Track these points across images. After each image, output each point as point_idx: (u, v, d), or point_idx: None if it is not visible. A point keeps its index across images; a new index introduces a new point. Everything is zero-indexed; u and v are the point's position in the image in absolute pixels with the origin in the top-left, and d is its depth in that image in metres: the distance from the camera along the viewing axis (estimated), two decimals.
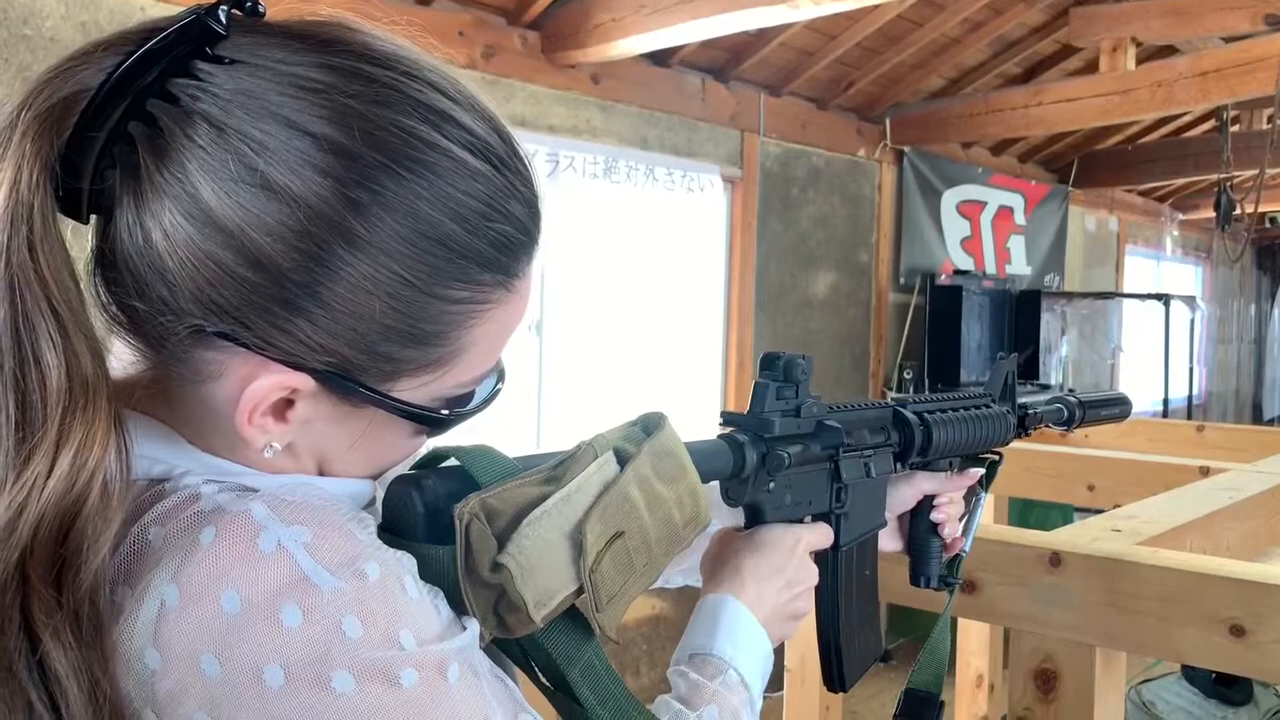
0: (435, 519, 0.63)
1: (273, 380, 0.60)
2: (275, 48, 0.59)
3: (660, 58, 4.03)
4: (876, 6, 3.90)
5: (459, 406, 0.68)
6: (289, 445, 0.64)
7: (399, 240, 0.58)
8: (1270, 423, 9.77)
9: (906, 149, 5.28)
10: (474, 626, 0.63)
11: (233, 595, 0.55)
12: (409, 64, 0.61)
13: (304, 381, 0.60)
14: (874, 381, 5.25)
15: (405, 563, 0.61)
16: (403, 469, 0.68)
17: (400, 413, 0.64)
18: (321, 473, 0.67)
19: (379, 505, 0.67)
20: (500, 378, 0.72)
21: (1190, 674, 3.58)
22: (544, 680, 0.71)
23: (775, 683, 1.79)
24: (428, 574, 0.62)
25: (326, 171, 0.57)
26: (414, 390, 0.64)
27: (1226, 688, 3.41)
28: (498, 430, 3.40)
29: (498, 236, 0.62)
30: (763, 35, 4.06)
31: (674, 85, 4.15)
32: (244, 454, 0.63)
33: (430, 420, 0.66)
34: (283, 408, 0.62)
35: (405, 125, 0.59)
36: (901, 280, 5.37)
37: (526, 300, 0.68)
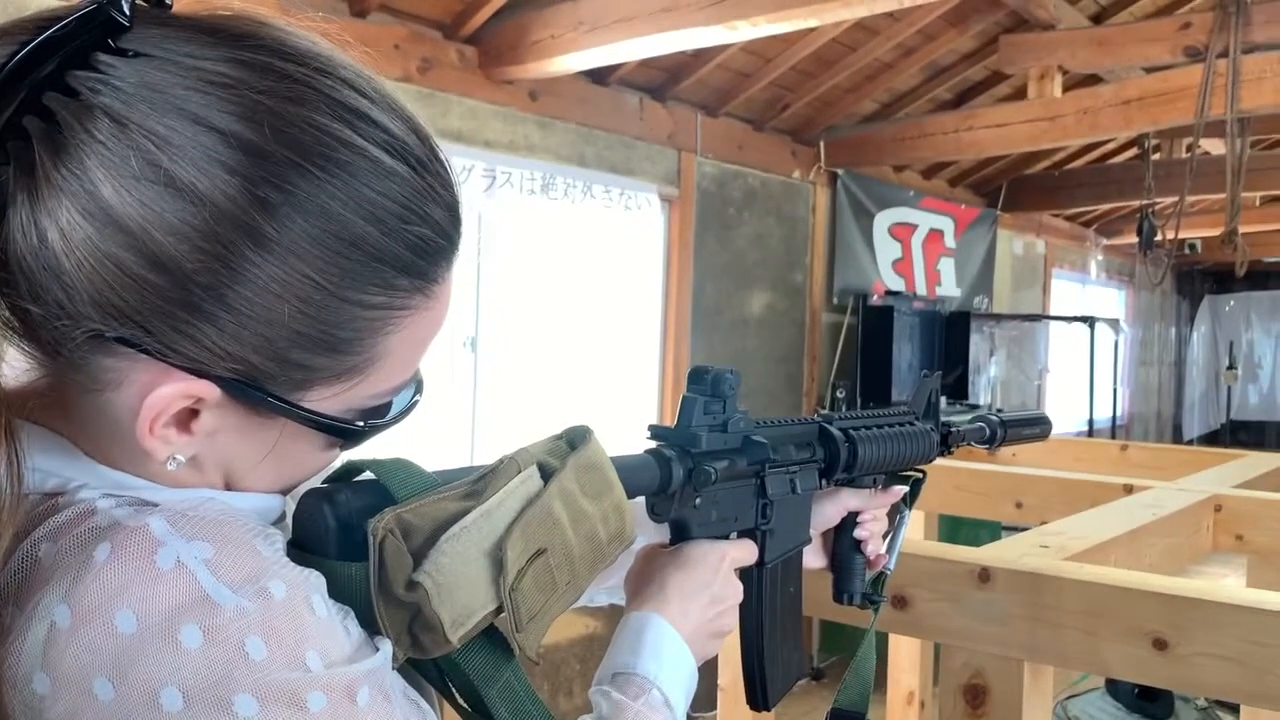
0: (348, 535, 0.61)
1: (175, 389, 0.57)
2: (183, 41, 0.56)
3: (599, 76, 4.04)
4: (812, 30, 3.96)
5: (374, 418, 0.65)
6: (194, 458, 0.61)
7: (310, 242, 0.56)
8: (1190, 443, 10.04)
9: (840, 171, 5.35)
10: (386, 647, 0.60)
11: (128, 615, 0.52)
12: (323, 60, 0.59)
13: (208, 390, 0.57)
14: (808, 400, 5.30)
15: (313, 581, 0.58)
16: (315, 483, 0.65)
17: (312, 424, 0.61)
18: (229, 487, 0.64)
19: (290, 521, 0.64)
20: (418, 389, 0.69)
21: (1114, 689, 3.66)
22: (461, 702, 0.69)
23: (708, 701, 1.78)
24: (339, 593, 0.60)
25: (234, 169, 0.54)
26: (327, 400, 0.61)
27: (1149, 702, 3.49)
28: (431, 447, 3.35)
29: (415, 240, 0.60)
30: (700, 56, 4.09)
31: (612, 103, 4.17)
32: (146, 467, 0.60)
33: (344, 432, 0.63)
34: (187, 418, 0.59)
35: (318, 123, 0.56)
36: (835, 300, 5.43)
37: (445, 308, 0.65)
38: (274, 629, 0.54)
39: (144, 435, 0.57)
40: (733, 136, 4.76)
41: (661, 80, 4.28)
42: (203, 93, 0.54)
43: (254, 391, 0.59)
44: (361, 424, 0.64)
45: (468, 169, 3.63)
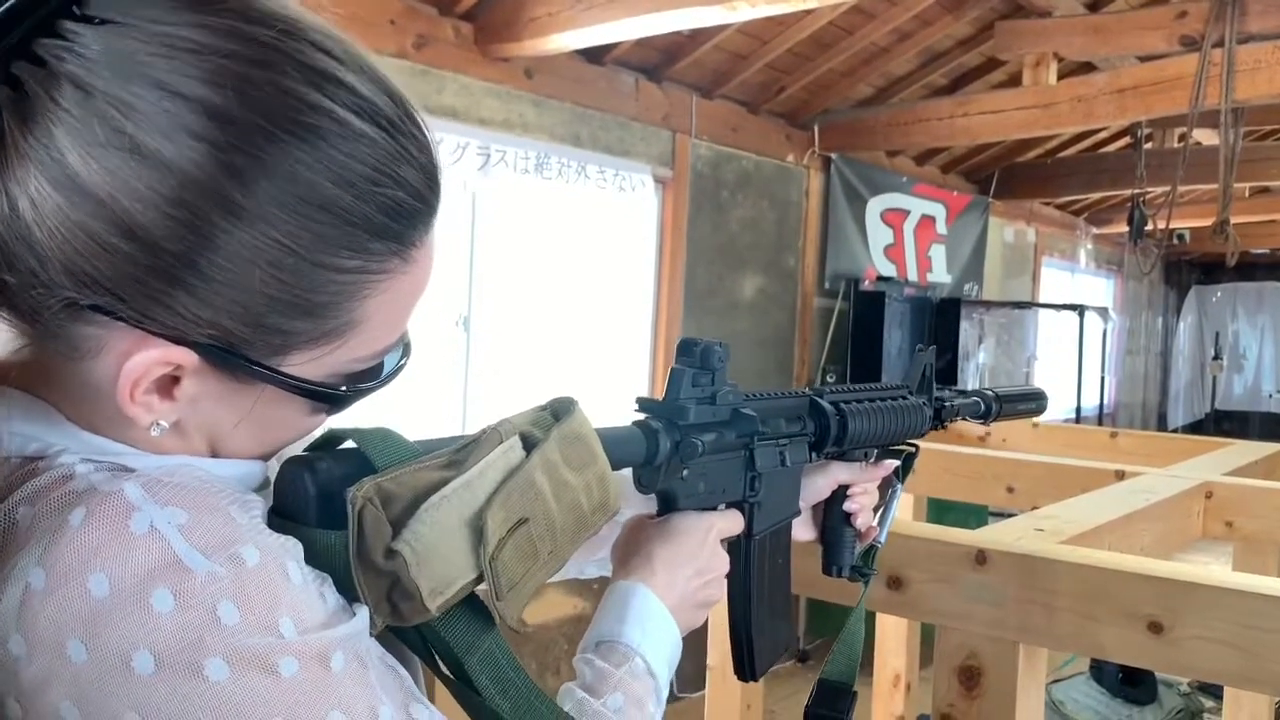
0: (328, 503, 0.61)
1: (152, 355, 0.57)
2: (147, 6, 0.55)
3: (594, 55, 4.02)
4: (809, 12, 3.95)
5: (358, 382, 0.65)
6: (177, 424, 0.61)
7: (279, 206, 0.56)
8: (1175, 431, 10.11)
9: (834, 155, 5.34)
10: (363, 614, 0.60)
11: (101, 578, 0.53)
12: (289, 23, 0.58)
13: (186, 356, 0.58)
14: (798, 384, 5.31)
15: (289, 547, 0.59)
16: (297, 450, 0.66)
17: (292, 388, 0.62)
18: (214, 453, 0.64)
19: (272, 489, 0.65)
20: (405, 352, 0.70)
21: (1098, 674, 3.68)
22: (444, 669, 0.69)
23: (697, 680, 1.79)
24: (317, 560, 0.60)
25: (201, 135, 0.54)
26: (307, 365, 0.61)
27: (1133, 687, 3.52)
28: (422, 426, 3.35)
29: (388, 202, 0.59)
30: (696, 37, 4.08)
31: (607, 83, 4.15)
32: (130, 433, 0.61)
33: (326, 396, 0.64)
34: (169, 385, 0.59)
35: (285, 86, 0.56)
36: (826, 285, 5.43)
37: (428, 271, 0.65)
38: (246, 594, 0.55)
39: (125, 402, 0.58)
40: (727, 119, 4.75)
41: (657, 61, 4.27)
42: (168, 58, 0.54)
43: (232, 357, 0.59)
44: (344, 388, 0.64)
45: (462, 147, 3.62)
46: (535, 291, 4.04)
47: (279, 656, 0.55)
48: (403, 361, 0.70)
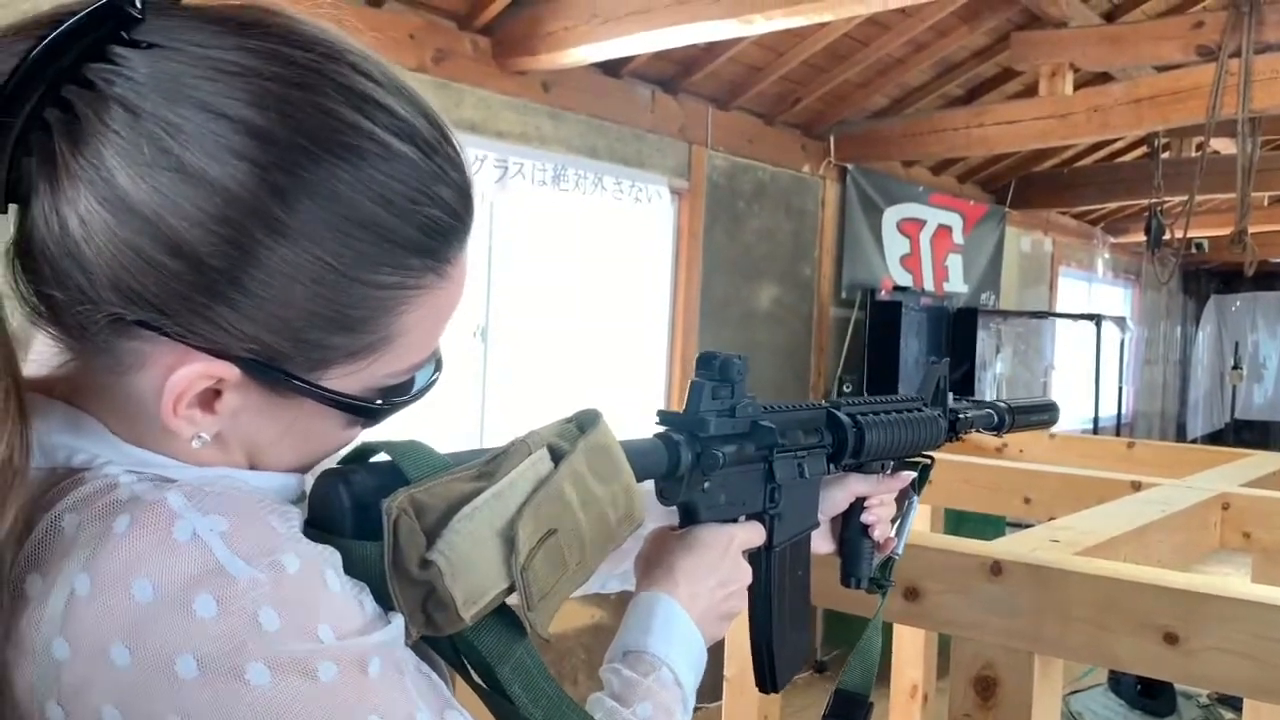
0: (363, 514, 0.62)
1: (196, 369, 0.58)
2: (193, 31, 0.57)
3: (611, 68, 4.05)
4: (824, 25, 3.96)
5: (393, 396, 0.67)
6: (218, 436, 0.63)
7: (320, 224, 0.57)
8: (1194, 442, 10.04)
9: (850, 166, 5.35)
10: (399, 621, 0.61)
11: (145, 584, 0.54)
12: (329, 46, 0.60)
13: (228, 370, 0.59)
14: (814, 394, 5.30)
15: (328, 556, 0.60)
16: (331, 464, 0.67)
17: (331, 402, 0.63)
18: (253, 465, 0.66)
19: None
20: (438, 366, 0.71)
21: (1116, 685, 3.67)
22: (476, 678, 0.70)
23: (714, 692, 1.80)
24: (353, 570, 0.61)
25: (244, 155, 0.55)
26: (345, 379, 0.63)
27: (1151, 699, 3.51)
28: (441, 436, 3.36)
29: (426, 221, 0.61)
30: (712, 49, 4.10)
31: (624, 95, 4.17)
32: (172, 445, 0.62)
33: (363, 410, 0.65)
34: (210, 398, 0.60)
35: (326, 108, 0.58)
36: (843, 295, 5.43)
37: (461, 286, 0.67)
38: (286, 600, 0.56)
39: (168, 415, 0.59)
40: (743, 130, 4.77)
41: (673, 73, 4.29)
42: (213, 80, 0.56)
43: (273, 371, 0.60)
44: (380, 402, 0.66)
45: (480, 159, 3.64)
46: (552, 302, 4.06)
47: (318, 661, 0.55)
48: (435, 376, 0.71)
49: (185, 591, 0.54)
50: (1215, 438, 10.72)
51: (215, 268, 0.56)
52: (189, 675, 0.53)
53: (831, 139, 5.20)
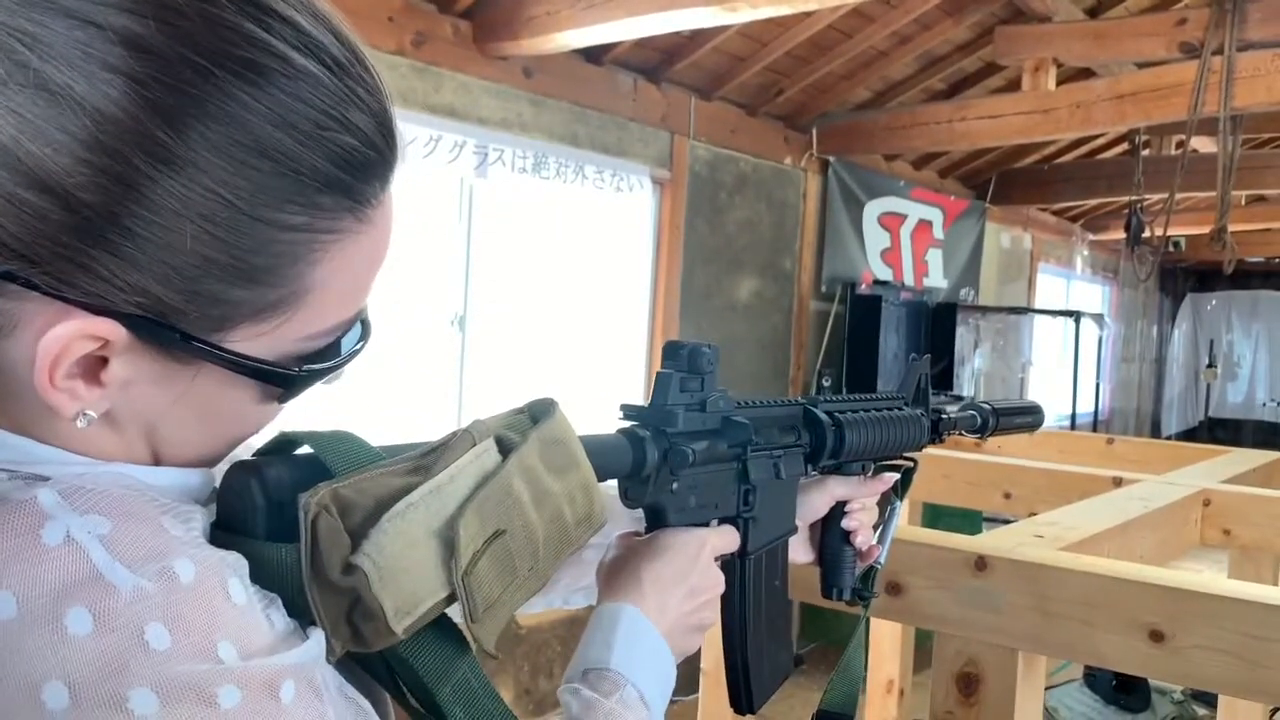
0: (277, 512, 0.54)
1: (73, 327, 0.49)
2: None
3: (593, 55, 4.01)
4: (809, 15, 3.94)
5: (313, 362, 0.58)
6: (108, 415, 0.54)
7: (212, 152, 0.49)
8: (1169, 439, 10.12)
9: (832, 158, 5.33)
10: (318, 638, 0.54)
11: (7, 598, 0.45)
12: None
13: (113, 330, 0.50)
14: (794, 387, 5.30)
15: (231, 562, 0.52)
16: (245, 455, 0.59)
17: (236, 367, 0.54)
18: (155, 454, 0.57)
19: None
20: (365, 332, 0.62)
21: (1091, 681, 3.68)
22: (413, 702, 0.63)
23: (690, 685, 1.78)
24: (265, 577, 0.53)
25: (119, 69, 0.47)
26: (253, 341, 0.54)
27: (1127, 695, 3.52)
28: (415, 429, 3.33)
29: (337, 150, 0.52)
30: (696, 38, 4.07)
31: (606, 83, 4.14)
32: (53, 427, 0.53)
33: (277, 377, 0.56)
34: (96, 367, 0.51)
35: (216, 16, 0.49)
36: (823, 288, 5.43)
37: (385, 235, 0.58)
38: (179, 614, 0.48)
39: (44, 387, 0.50)
40: (726, 120, 4.74)
41: (656, 61, 4.26)
42: None
43: (165, 330, 0.51)
44: (297, 369, 0.57)
45: (459, 145, 3.60)
46: (531, 292, 4.02)
47: (218, 685, 0.47)
48: (361, 344, 0.62)
49: (54, 605, 0.46)
50: (1189, 435, 10.81)
51: (89, 204, 0.47)
52: (58, 705, 0.45)
53: (814, 131, 5.18)
